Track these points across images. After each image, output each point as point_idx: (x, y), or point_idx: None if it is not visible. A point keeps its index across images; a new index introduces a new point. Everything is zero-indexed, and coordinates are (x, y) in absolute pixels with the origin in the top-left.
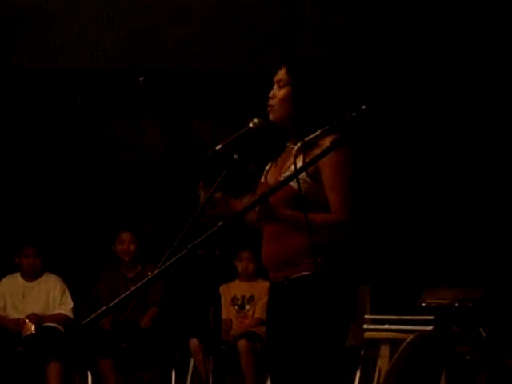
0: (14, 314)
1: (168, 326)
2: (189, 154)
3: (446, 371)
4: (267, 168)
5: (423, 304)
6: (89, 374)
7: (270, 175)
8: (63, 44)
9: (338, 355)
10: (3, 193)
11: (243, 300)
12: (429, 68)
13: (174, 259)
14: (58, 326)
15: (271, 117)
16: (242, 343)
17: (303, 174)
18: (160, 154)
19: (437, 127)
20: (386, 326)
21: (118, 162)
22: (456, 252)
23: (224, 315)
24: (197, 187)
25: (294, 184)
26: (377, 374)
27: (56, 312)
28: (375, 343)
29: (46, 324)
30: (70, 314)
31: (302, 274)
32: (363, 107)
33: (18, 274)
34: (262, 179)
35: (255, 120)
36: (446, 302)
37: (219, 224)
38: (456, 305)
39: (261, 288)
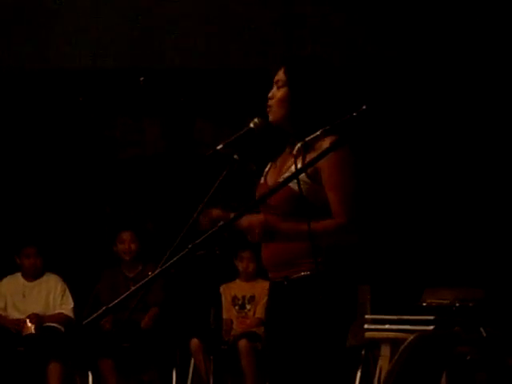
0: (14, 314)
1: (169, 326)
2: (189, 153)
3: (446, 371)
4: (267, 169)
5: (424, 304)
6: (89, 374)
7: (270, 176)
8: (63, 44)
9: (338, 355)
10: (4, 193)
11: (244, 300)
12: (429, 67)
13: (174, 259)
14: (59, 326)
15: (270, 117)
16: (242, 343)
17: (302, 174)
18: (160, 154)
19: (437, 127)
20: (387, 326)
21: (118, 161)
22: (456, 252)
23: (225, 315)
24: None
25: (292, 185)
26: (377, 373)
27: (56, 312)
28: (376, 343)
29: (47, 324)
30: (71, 314)
31: (302, 274)
32: (364, 107)
33: (18, 274)
34: (262, 180)
35: (256, 120)
36: (446, 301)
37: (219, 224)
38: (456, 305)
39: (261, 288)
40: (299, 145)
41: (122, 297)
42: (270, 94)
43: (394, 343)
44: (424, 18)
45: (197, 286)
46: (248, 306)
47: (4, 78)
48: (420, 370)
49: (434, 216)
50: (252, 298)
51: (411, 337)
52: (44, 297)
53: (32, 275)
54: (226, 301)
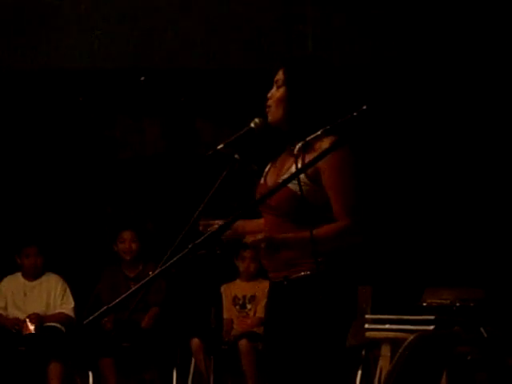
0: (15, 314)
1: (169, 326)
2: (189, 153)
3: (446, 371)
4: (266, 169)
5: (424, 304)
6: (90, 374)
7: (270, 176)
8: (63, 44)
9: (338, 356)
10: (4, 192)
11: (244, 300)
12: (429, 67)
13: (175, 259)
14: (60, 326)
15: (269, 118)
16: (243, 343)
17: (302, 175)
18: (160, 154)
19: (437, 127)
20: (387, 326)
21: (118, 161)
22: (456, 252)
23: (225, 315)
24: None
25: (292, 186)
26: (378, 373)
27: (57, 311)
28: (376, 343)
29: (47, 324)
30: (72, 314)
31: (302, 273)
32: (364, 107)
33: (19, 274)
34: (262, 180)
35: (256, 120)
36: (446, 301)
37: (219, 224)
38: (457, 305)
39: (262, 288)
40: (300, 145)
41: (123, 296)
42: (269, 94)
43: (395, 343)
44: (424, 18)
45: (197, 285)
46: (249, 306)
47: (4, 78)
48: (420, 370)
49: (434, 216)
50: (253, 298)
51: (411, 337)
52: (44, 296)
53: (32, 275)
54: (226, 300)
